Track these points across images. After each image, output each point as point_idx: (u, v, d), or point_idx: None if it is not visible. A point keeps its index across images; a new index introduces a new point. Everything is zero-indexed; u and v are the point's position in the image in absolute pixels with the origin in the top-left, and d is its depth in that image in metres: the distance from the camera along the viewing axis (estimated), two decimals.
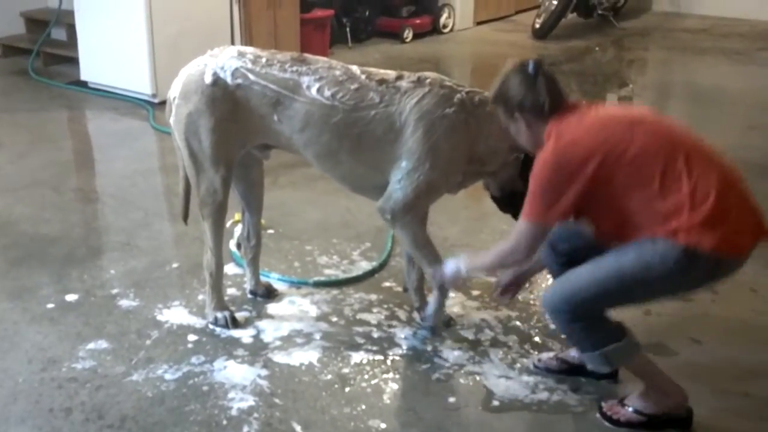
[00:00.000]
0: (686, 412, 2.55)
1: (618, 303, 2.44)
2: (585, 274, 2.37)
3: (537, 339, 3.02)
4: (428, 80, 2.76)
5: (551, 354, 2.87)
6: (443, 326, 2.99)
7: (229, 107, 2.78)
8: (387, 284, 3.37)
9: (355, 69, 2.81)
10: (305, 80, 2.75)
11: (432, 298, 2.97)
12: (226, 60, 2.80)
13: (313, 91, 2.73)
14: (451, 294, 3.30)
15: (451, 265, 2.71)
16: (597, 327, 2.42)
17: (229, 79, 2.77)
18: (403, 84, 2.75)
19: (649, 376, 2.52)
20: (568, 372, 2.77)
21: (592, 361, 2.47)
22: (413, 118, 2.69)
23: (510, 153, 2.75)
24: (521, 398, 2.68)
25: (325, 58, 2.89)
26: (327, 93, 2.72)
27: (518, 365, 2.84)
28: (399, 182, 2.73)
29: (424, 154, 2.69)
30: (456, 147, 2.72)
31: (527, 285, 3.10)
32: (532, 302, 3.28)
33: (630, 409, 2.54)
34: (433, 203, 2.91)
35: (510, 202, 2.89)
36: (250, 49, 2.88)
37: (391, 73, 2.81)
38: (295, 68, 2.77)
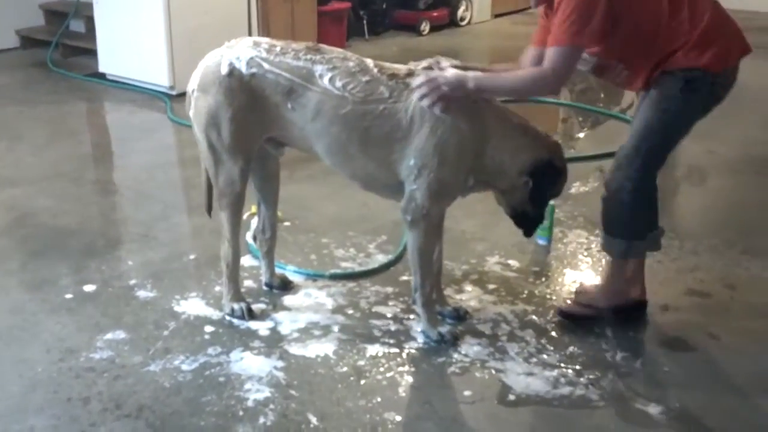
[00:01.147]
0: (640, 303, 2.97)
1: (665, 151, 2.76)
2: (629, 150, 2.71)
3: (553, 333, 3.00)
4: None
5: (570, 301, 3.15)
6: (450, 335, 2.92)
7: (245, 97, 2.79)
8: (403, 278, 3.37)
9: (369, 62, 2.80)
10: (318, 69, 2.74)
11: (421, 315, 2.96)
12: (242, 50, 2.81)
13: (326, 80, 2.73)
14: (468, 288, 3.31)
15: (459, 73, 2.60)
16: (648, 214, 2.84)
17: (244, 69, 2.78)
18: (413, 80, 2.72)
19: (632, 271, 2.96)
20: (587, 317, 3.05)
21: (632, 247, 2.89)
22: (419, 113, 2.68)
23: (519, 177, 2.73)
24: (541, 393, 2.67)
25: (340, 49, 2.88)
26: (338, 83, 2.72)
27: (534, 360, 2.84)
28: (415, 182, 2.72)
29: (431, 150, 2.67)
30: (463, 144, 2.69)
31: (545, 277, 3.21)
32: (548, 296, 3.27)
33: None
34: (447, 206, 2.90)
35: (521, 222, 2.92)
36: (265, 39, 2.89)
37: (402, 68, 2.79)
38: (309, 57, 2.77)
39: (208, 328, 3.00)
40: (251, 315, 3.05)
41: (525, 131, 2.76)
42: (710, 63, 2.61)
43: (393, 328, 3.02)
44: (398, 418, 2.54)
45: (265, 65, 2.77)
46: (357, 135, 2.74)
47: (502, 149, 2.73)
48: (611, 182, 2.81)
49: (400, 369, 2.79)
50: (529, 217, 2.88)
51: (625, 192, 2.76)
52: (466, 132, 2.68)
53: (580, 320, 3.02)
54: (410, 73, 2.75)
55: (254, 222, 3.71)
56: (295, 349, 2.88)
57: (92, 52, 6.41)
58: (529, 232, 2.98)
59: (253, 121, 2.84)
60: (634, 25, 2.61)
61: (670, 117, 2.68)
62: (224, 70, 2.79)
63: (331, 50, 2.84)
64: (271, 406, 2.58)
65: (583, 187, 4.37)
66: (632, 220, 2.82)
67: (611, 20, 2.56)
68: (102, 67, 6.28)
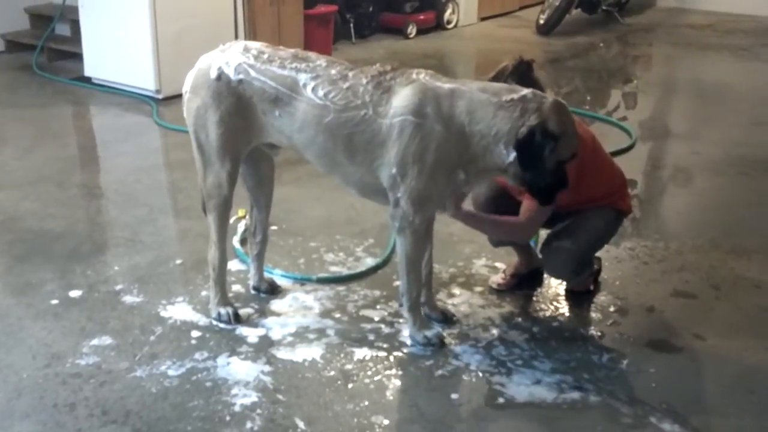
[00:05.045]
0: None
1: (595, 252, 3.25)
2: (579, 247, 3.05)
3: (541, 336, 3.02)
4: (415, 78, 2.69)
5: (502, 275, 3.37)
6: (437, 338, 2.93)
7: (233, 102, 2.80)
8: (391, 281, 3.36)
9: (351, 68, 2.78)
10: (302, 78, 2.74)
11: (407, 319, 2.95)
12: (232, 55, 2.82)
13: (309, 90, 2.73)
14: (456, 291, 3.31)
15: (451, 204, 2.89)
16: (590, 268, 3.26)
17: (232, 75, 2.79)
18: (392, 83, 2.70)
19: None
20: (520, 284, 3.34)
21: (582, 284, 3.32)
22: (397, 121, 2.66)
23: (507, 153, 2.62)
24: (526, 394, 2.68)
25: (327, 57, 2.87)
26: (320, 92, 2.72)
27: (520, 362, 2.85)
28: (399, 190, 2.71)
29: (410, 159, 2.66)
30: (442, 146, 2.65)
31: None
32: (533, 298, 3.28)
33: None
34: (434, 210, 2.87)
35: (532, 190, 2.75)
36: (256, 45, 2.89)
37: (383, 71, 2.74)
38: (294, 65, 2.77)
39: (195, 333, 2.99)
40: (238, 319, 3.05)
41: (503, 105, 2.60)
42: (628, 208, 3.21)
43: (381, 331, 3.02)
44: (386, 422, 2.54)
45: (252, 72, 2.78)
46: (342, 143, 2.74)
47: (482, 132, 2.62)
48: (558, 268, 3.16)
49: (388, 372, 2.79)
50: (536, 184, 2.70)
51: (575, 274, 3.17)
52: (442, 133, 2.64)
53: (513, 289, 3.33)
54: (392, 77, 2.71)
55: (241, 226, 3.72)
56: (282, 354, 2.87)
57: (78, 56, 6.37)
58: (545, 199, 2.77)
59: (241, 126, 2.84)
60: (590, 178, 2.98)
61: (609, 231, 3.16)
62: (213, 74, 2.80)
63: (317, 58, 2.83)
64: (258, 410, 2.58)
65: None
66: (586, 276, 3.30)
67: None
68: (88, 71, 6.24)
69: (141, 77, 5.88)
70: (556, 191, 2.74)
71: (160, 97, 5.80)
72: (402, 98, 2.66)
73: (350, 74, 2.74)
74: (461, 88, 2.67)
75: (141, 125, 5.45)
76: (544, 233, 3.29)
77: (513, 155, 2.61)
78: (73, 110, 5.87)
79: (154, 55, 5.76)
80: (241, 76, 2.78)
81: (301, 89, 2.73)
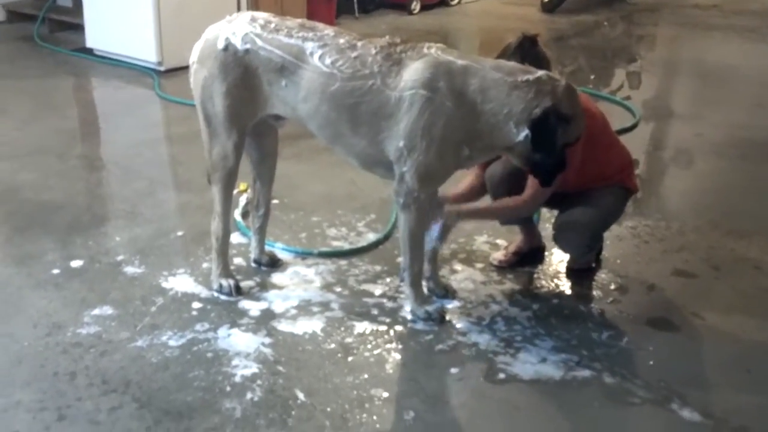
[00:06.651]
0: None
1: (607, 228, 3.24)
2: (593, 221, 3.08)
3: (541, 313, 3.02)
4: (427, 53, 2.68)
5: (503, 251, 3.38)
6: (437, 313, 2.93)
7: (239, 72, 2.79)
8: (392, 256, 3.37)
9: (359, 38, 2.78)
10: (309, 47, 2.73)
11: (408, 294, 2.96)
12: (239, 25, 2.81)
13: (315, 58, 2.72)
14: (457, 267, 3.32)
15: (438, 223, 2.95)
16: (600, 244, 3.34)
17: (239, 45, 2.78)
18: (402, 56, 2.70)
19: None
20: (521, 262, 3.35)
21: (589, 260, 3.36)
22: (407, 94, 2.65)
23: (517, 132, 2.64)
24: (525, 370, 2.69)
25: (334, 27, 2.86)
26: (327, 61, 2.71)
27: (520, 338, 2.86)
28: (405, 164, 2.71)
29: (420, 132, 2.65)
30: (451, 123, 2.65)
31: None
32: (534, 275, 3.29)
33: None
34: (438, 186, 2.88)
35: (535, 171, 2.79)
36: (263, 15, 2.88)
37: (393, 43, 2.75)
38: (301, 34, 2.76)
39: (196, 305, 3.00)
40: (239, 292, 3.05)
41: (518, 85, 2.62)
42: (635, 186, 3.25)
43: (381, 306, 3.02)
44: (385, 395, 2.55)
45: (259, 41, 2.77)
46: (346, 112, 2.73)
47: (493, 110, 2.64)
48: (571, 244, 3.18)
49: (388, 346, 2.80)
50: (542, 165, 2.72)
51: (588, 248, 3.21)
52: (452, 108, 2.64)
53: (514, 266, 3.33)
54: (402, 49, 2.71)
55: (242, 200, 3.71)
56: (283, 326, 2.88)
57: (79, 27, 6.34)
58: (546, 180, 2.81)
59: (247, 97, 2.83)
60: (595, 158, 3.02)
61: (617, 209, 3.18)
62: (220, 45, 2.80)
63: (325, 27, 2.82)
64: (259, 381, 2.59)
65: None
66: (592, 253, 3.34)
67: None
68: (89, 43, 6.21)
69: (143, 49, 5.85)
70: (557, 173, 2.78)
71: (161, 69, 5.76)
72: (413, 71, 2.65)
73: (359, 44, 2.73)
74: (474, 66, 2.67)
75: (142, 98, 5.43)
76: (546, 211, 3.29)
77: (522, 134, 2.64)
78: (74, 82, 5.84)
79: (156, 27, 5.72)
80: (248, 46, 2.77)
81: (308, 57, 2.72)
